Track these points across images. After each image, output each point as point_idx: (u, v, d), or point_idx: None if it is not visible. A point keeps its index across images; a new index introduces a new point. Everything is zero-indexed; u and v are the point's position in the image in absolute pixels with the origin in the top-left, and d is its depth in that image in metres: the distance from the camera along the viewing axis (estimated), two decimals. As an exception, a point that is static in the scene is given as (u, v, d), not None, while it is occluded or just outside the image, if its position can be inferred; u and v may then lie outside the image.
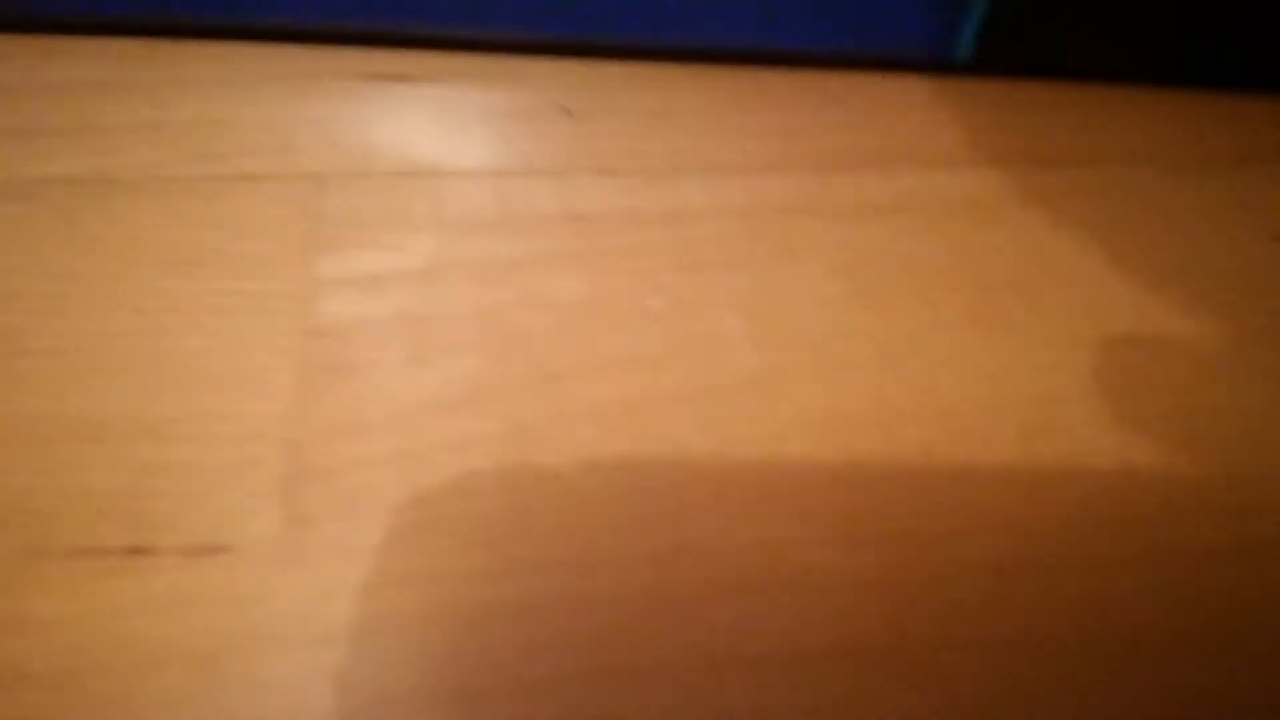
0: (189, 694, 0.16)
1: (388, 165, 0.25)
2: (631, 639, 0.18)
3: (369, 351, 0.21)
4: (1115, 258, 0.25)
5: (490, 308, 0.23)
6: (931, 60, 0.29)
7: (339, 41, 0.28)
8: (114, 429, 0.19)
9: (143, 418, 0.19)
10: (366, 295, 0.22)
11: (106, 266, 0.22)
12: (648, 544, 0.19)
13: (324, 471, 0.19)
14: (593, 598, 0.18)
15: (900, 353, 0.23)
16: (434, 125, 0.27)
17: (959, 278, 0.24)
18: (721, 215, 0.25)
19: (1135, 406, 0.22)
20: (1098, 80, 0.29)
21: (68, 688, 0.16)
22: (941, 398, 0.22)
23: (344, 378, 0.21)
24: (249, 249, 0.23)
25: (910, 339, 0.23)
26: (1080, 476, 0.21)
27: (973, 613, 0.19)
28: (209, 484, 0.19)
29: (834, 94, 0.29)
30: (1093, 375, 0.23)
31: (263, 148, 0.25)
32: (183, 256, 0.23)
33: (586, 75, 0.28)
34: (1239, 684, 0.18)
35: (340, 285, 0.23)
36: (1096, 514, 0.20)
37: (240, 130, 0.26)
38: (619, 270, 0.23)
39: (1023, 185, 0.27)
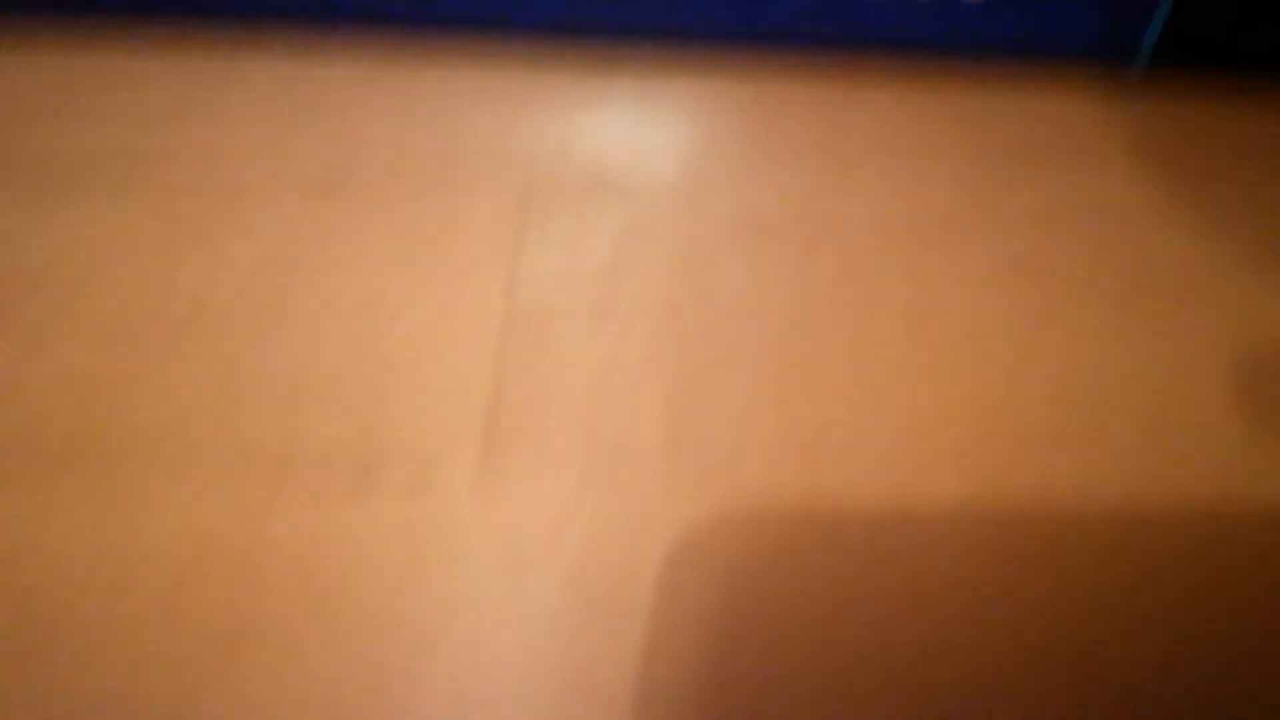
0: (395, 602, 0.19)
1: (586, 167, 0.29)
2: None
3: (556, 337, 0.24)
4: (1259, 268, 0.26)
5: (666, 299, 0.25)
6: (1110, 65, 0.30)
7: (549, 66, 0.32)
8: (349, 388, 0.23)
9: (371, 379, 0.23)
10: (559, 286, 0.26)
11: (345, 251, 0.27)
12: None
13: (512, 430, 0.22)
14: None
15: (1037, 347, 0.24)
16: (633, 126, 0.30)
17: (1105, 281, 0.25)
18: (886, 225, 0.27)
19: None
20: (1270, 92, 0.30)
21: (297, 595, 0.20)
22: (1071, 386, 0.23)
23: (535, 357, 0.24)
24: (460, 244, 0.27)
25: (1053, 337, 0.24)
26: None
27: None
28: (421, 434, 0.22)
29: (1008, 103, 0.30)
30: (1228, 377, 0.23)
31: (480, 150, 0.29)
32: (406, 250, 0.27)
33: (770, 76, 0.31)
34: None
35: (537, 279, 0.26)
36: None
37: (464, 132, 0.29)
38: (785, 268, 0.26)
39: (1186, 194, 0.28)
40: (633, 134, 0.31)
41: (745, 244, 0.27)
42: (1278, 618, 0.20)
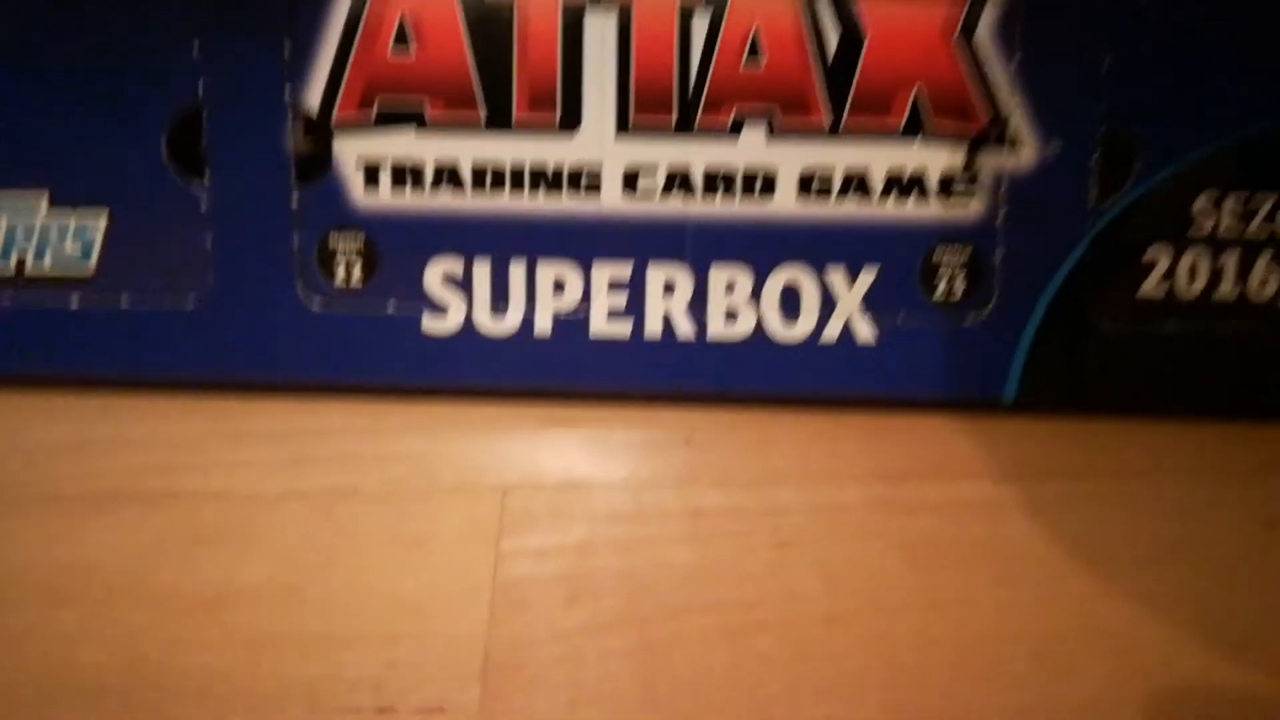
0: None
1: (553, 479, 0.35)
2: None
3: (538, 597, 0.30)
4: (1104, 542, 0.33)
5: (624, 570, 0.31)
6: (982, 401, 0.39)
7: (515, 398, 0.39)
8: (370, 637, 0.27)
9: (389, 630, 0.28)
10: (536, 562, 0.31)
11: (356, 545, 0.32)
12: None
13: (509, 666, 0.27)
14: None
15: (939, 601, 0.30)
16: (588, 453, 0.37)
17: (989, 553, 0.32)
18: (808, 511, 0.34)
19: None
20: (1129, 416, 0.38)
21: None
22: (964, 630, 0.29)
23: (520, 612, 0.29)
24: (455, 531, 0.32)
25: (948, 593, 0.30)
26: None
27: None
28: (431, 673, 0.26)
29: (905, 428, 0.38)
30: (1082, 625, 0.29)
31: (465, 469, 0.35)
32: (407, 538, 0.32)
33: (703, 417, 0.39)
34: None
35: (518, 556, 0.31)
36: None
37: (449, 459, 0.36)
38: (725, 546, 0.32)
39: (1038, 493, 0.35)
40: (592, 452, 0.38)
41: (689, 528, 0.33)
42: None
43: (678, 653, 0.27)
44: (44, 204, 0.43)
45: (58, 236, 0.43)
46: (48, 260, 0.43)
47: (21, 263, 0.43)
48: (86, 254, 0.43)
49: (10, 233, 0.43)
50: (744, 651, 0.28)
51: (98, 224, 0.43)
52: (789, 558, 0.31)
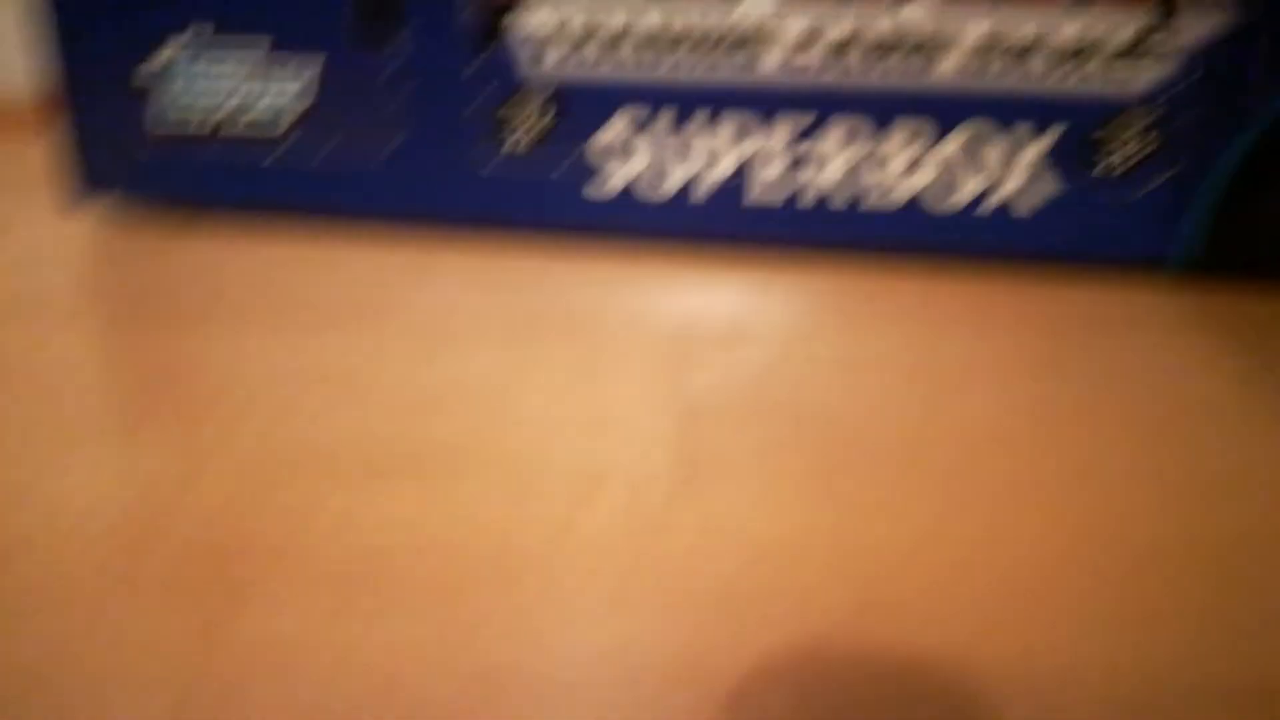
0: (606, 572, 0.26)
1: (721, 325, 0.38)
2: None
3: (720, 414, 0.33)
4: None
5: (795, 402, 0.34)
6: (1155, 264, 0.40)
7: (683, 252, 0.42)
8: (572, 433, 0.31)
9: (586, 430, 0.31)
10: (711, 391, 0.34)
11: (546, 363, 0.35)
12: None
13: (696, 465, 0.30)
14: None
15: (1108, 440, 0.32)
16: (753, 303, 0.39)
17: (1159, 398, 0.34)
18: (966, 361, 0.36)
19: None
20: None
21: (558, 557, 0.27)
22: (1137, 465, 0.31)
23: (702, 427, 0.32)
24: (635, 364, 0.36)
25: (1116, 434, 0.32)
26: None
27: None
28: (631, 465, 0.30)
29: (1071, 286, 0.40)
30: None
31: (640, 312, 0.39)
32: (591, 364, 0.36)
33: (862, 275, 0.41)
34: None
35: (696, 385, 0.34)
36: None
37: (626, 302, 0.39)
38: (886, 386, 0.34)
39: (1210, 353, 0.36)
40: (759, 302, 0.40)
41: (852, 371, 0.35)
42: None
43: (849, 466, 0.30)
44: (260, 53, 0.48)
45: (269, 86, 0.47)
46: (261, 105, 0.47)
47: (237, 107, 0.47)
48: (293, 105, 0.47)
49: (228, 80, 0.47)
50: (913, 465, 0.30)
51: (305, 76, 0.47)
52: (953, 400, 0.34)
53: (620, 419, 0.33)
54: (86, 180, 0.46)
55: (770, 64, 0.41)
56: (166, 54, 0.48)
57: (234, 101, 0.48)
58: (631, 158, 0.43)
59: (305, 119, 0.48)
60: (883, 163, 0.41)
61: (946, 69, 0.40)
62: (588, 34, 0.43)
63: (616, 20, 0.43)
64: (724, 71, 0.42)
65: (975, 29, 0.40)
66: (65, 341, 0.36)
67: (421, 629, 0.23)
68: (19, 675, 0.21)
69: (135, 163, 0.47)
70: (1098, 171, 0.40)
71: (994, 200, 0.41)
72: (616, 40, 0.43)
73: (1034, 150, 0.41)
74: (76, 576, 0.24)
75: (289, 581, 0.24)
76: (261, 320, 0.39)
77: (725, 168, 0.43)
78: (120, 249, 0.46)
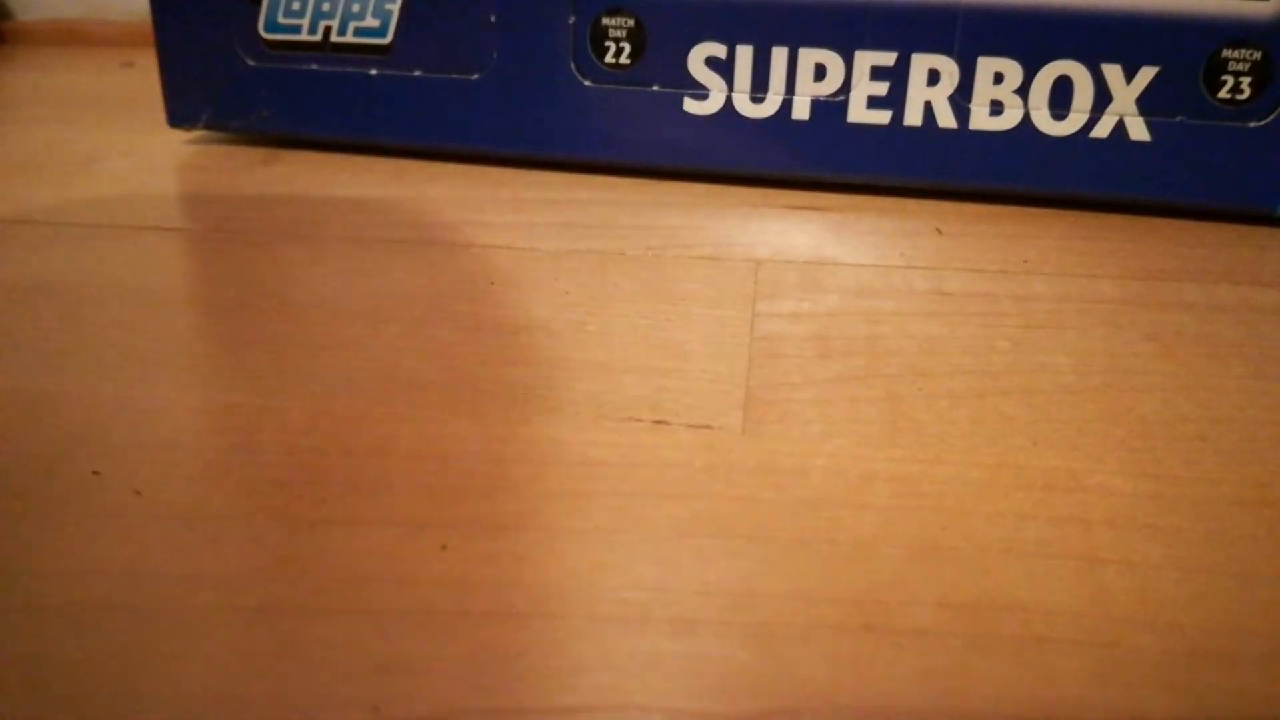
0: (674, 504, 0.26)
1: (804, 256, 0.37)
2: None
3: (792, 351, 0.32)
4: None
5: (873, 336, 0.33)
6: (1254, 211, 0.38)
7: (771, 184, 0.41)
8: (644, 369, 0.31)
9: (659, 365, 0.31)
10: (790, 323, 0.34)
11: (625, 296, 0.35)
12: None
13: (767, 402, 0.30)
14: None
15: (1188, 386, 0.30)
16: (838, 236, 0.38)
17: (1243, 350, 0.32)
18: (1059, 300, 0.34)
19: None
20: None
21: (616, 483, 0.27)
22: (1212, 411, 0.29)
23: (776, 361, 0.32)
24: (712, 293, 0.35)
25: (1195, 382, 0.31)
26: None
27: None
28: (699, 400, 0.30)
29: (1166, 232, 0.38)
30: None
31: (720, 243, 0.38)
32: (671, 294, 0.35)
33: (956, 210, 0.39)
34: None
35: (772, 316, 0.34)
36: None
37: (705, 233, 0.39)
38: (972, 323, 0.33)
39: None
40: (843, 234, 0.39)
41: (937, 306, 0.34)
42: None
43: (922, 406, 0.30)
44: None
45: (360, 9, 0.47)
46: (350, 31, 0.47)
47: (328, 30, 0.47)
48: (384, 28, 0.47)
49: (317, 4, 0.47)
50: (987, 410, 0.29)
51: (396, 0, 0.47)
52: (1036, 338, 0.33)
53: (696, 353, 0.33)
54: (193, 96, 0.47)
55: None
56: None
57: (344, 6, 0.48)
58: (727, 77, 0.42)
59: (406, 28, 0.48)
60: (984, 92, 0.39)
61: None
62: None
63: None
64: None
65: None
66: (162, 254, 0.37)
67: (494, 547, 0.24)
68: (102, 580, 0.22)
69: (244, 74, 0.48)
70: (1217, 103, 0.38)
71: (1103, 130, 0.39)
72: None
73: (1143, 79, 0.39)
74: (162, 499, 0.25)
75: (367, 513, 0.25)
76: (352, 242, 0.40)
77: (823, 90, 0.42)
78: (221, 165, 0.47)
